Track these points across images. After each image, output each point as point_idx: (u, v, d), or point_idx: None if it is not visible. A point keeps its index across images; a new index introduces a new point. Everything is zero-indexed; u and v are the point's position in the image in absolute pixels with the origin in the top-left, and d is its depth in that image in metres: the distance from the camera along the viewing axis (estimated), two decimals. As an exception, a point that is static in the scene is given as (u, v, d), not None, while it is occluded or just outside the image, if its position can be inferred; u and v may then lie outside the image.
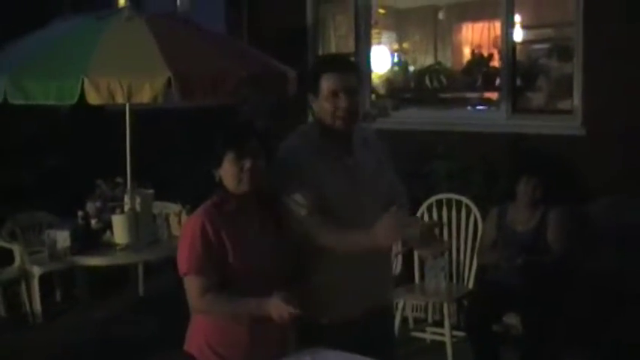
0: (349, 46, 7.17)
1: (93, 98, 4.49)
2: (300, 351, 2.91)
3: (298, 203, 2.87)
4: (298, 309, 2.70)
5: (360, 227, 2.85)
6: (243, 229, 2.83)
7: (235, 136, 2.83)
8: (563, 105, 6.00)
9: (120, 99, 4.54)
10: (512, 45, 6.11)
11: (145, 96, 4.51)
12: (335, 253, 2.91)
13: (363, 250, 2.86)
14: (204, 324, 2.88)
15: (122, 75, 4.52)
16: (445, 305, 4.89)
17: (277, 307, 2.70)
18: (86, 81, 4.46)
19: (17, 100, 4.68)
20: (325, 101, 2.89)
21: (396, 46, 7.78)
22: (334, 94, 2.87)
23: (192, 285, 2.80)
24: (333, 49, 7.39)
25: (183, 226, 2.88)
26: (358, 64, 3.03)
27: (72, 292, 5.80)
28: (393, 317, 3.54)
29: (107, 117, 7.25)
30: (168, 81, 4.52)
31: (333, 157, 2.97)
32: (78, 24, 5.28)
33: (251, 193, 2.84)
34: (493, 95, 6.62)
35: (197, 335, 2.91)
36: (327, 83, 2.88)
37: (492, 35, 7.22)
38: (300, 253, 2.97)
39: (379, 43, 7.43)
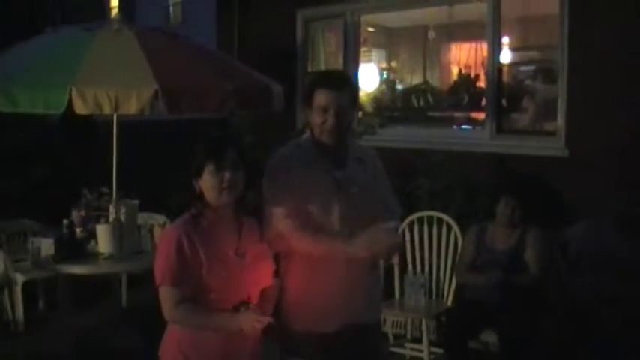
0: (338, 63, 7.26)
1: (80, 108, 4.52)
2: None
3: (279, 212, 2.92)
4: (270, 319, 2.74)
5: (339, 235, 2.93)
6: (219, 241, 2.87)
7: (215, 148, 2.87)
8: (547, 126, 6.07)
9: (107, 109, 4.57)
10: (498, 66, 6.20)
11: (131, 107, 4.55)
12: (316, 265, 2.97)
13: (339, 256, 2.92)
14: (179, 332, 2.91)
15: (109, 86, 4.55)
16: (424, 321, 4.93)
17: (248, 320, 2.75)
18: (74, 91, 4.49)
19: (5, 109, 4.71)
20: (316, 115, 2.99)
21: (384, 65, 7.86)
22: (324, 110, 2.97)
23: (166, 295, 2.85)
24: (322, 66, 7.48)
25: (160, 237, 2.93)
26: (353, 81, 3.10)
27: (55, 301, 5.80)
28: (378, 336, 3.47)
29: (94, 128, 7.32)
30: (155, 93, 4.55)
31: (323, 169, 3.04)
32: (67, 35, 5.33)
33: (229, 205, 2.89)
34: (479, 115, 6.70)
35: (171, 343, 2.94)
36: (318, 98, 2.99)
37: (480, 56, 7.29)
38: (279, 264, 3.02)
39: (368, 61, 7.52)
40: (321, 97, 2.99)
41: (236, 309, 2.81)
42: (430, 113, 7.15)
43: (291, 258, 3.05)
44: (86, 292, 5.89)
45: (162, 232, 2.92)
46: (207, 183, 2.83)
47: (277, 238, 2.96)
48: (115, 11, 9.41)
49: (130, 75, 4.72)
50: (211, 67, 5.19)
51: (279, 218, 2.94)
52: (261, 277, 2.95)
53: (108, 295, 6.54)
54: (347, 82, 3.16)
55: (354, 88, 3.27)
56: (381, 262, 3.63)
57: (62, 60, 4.86)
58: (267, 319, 2.73)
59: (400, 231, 5.21)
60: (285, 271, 3.07)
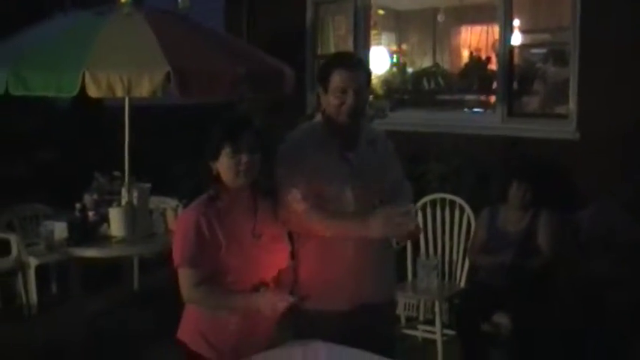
0: (348, 47, 7.23)
1: (93, 91, 4.53)
2: (292, 342, 2.96)
3: (293, 194, 2.92)
4: (289, 300, 2.76)
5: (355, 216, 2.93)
6: (236, 222, 2.87)
7: (233, 129, 2.86)
8: (558, 109, 6.07)
9: (119, 92, 4.57)
10: (510, 49, 6.17)
11: (144, 90, 4.55)
12: (329, 245, 2.97)
13: (353, 237, 2.93)
14: (197, 313, 2.93)
15: (122, 69, 4.56)
16: (437, 303, 4.93)
17: (268, 302, 2.77)
18: (86, 74, 4.50)
19: (17, 92, 4.72)
20: (333, 96, 2.98)
21: (394, 48, 7.83)
22: (342, 90, 2.96)
23: (185, 277, 2.86)
24: (332, 49, 7.45)
25: (178, 219, 2.94)
26: (367, 63, 3.14)
27: (67, 285, 5.83)
28: (392, 316, 3.56)
29: (105, 111, 7.33)
30: (168, 76, 4.55)
31: (336, 151, 3.04)
32: (78, 18, 5.33)
33: (246, 187, 2.89)
34: (489, 98, 6.69)
35: (189, 323, 2.96)
36: (336, 79, 2.97)
37: (491, 39, 7.27)
38: (294, 245, 3.03)
39: (378, 44, 7.49)
40: (338, 78, 2.98)
41: (255, 290, 2.82)
42: (441, 96, 7.15)
43: (304, 238, 3.06)
44: (98, 275, 5.93)
45: (180, 214, 2.92)
46: (224, 165, 2.83)
47: (292, 220, 2.96)
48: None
49: (142, 58, 4.72)
50: (223, 51, 5.18)
51: (294, 200, 2.94)
52: (277, 258, 2.96)
53: (120, 278, 6.59)
54: (361, 62, 3.17)
55: (368, 68, 3.27)
56: (394, 242, 3.62)
57: (74, 43, 4.86)
58: (288, 300, 2.75)
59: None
60: (298, 252, 3.08)
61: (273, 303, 2.76)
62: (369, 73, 3.16)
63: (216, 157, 2.84)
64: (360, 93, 2.99)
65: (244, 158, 2.81)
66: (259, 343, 2.89)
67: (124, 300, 6.41)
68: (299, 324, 3.08)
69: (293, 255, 3.06)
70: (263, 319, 2.84)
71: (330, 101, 3.00)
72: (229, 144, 2.81)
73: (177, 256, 2.87)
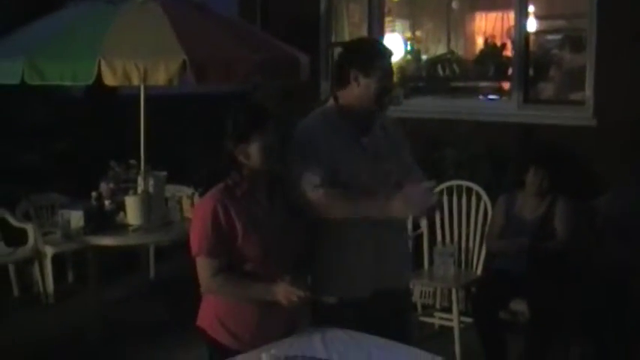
0: (362, 34, 7.19)
1: (109, 79, 4.54)
2: (310, 329, 2.96)
3: (311, 180, 2.92)
4: (306, 291, 2.76)
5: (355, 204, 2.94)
6: (254, 211, 2.87)
7: (259, 114, 2.88)
8: (574, 96, 6.02)
9: (135, 80, 4.58)
10: (525, 35, 6.12)
11: (160, 78, 4.55)
12: (347, 233, 2.98)
13: (375, 217, 2.92)
14: (216, 301, 2.94)
15: (138, 57, 4.56)
16: (453, 291, 4.92)
17: (285, 292, 2.77)
18: (102, 62, 4.50)
19: (33, 81, 4.73)
20: (375, 81, 2.99)
21: (408, 35, 7.80)
22: (388, 75, 3.04)
23: (202, 266, 2.87)
24: (346, 37, 7.43)
25: (196, 208, 2.94)
26: None
27: (84, 274, 5.85)
28: (409, 301, 3.63)
29: (118, 100, 7.34)
30: (184, 64, 4.55)
31: (351, 136, 3.05)
32: (92, 7, 5.30)
33: (264, 174, 2.89)
34: (505, 85, 6.65)
35: (209, 311, 2.97)
36: (383, 64, 3.03)
37: (505, 25, 7.23)
38: (312, 233, 3.02)
39: (392, 31, 7.45)
40: (385, 63, 3.04)
41: (273, 280, 2.81)
42: (456, 83, 7.11)
43: (322, 227, 3.04)
44: (114, 264, 5.94)
45: (197, 203, 2.92)
46: (254, 148, 2.82)
47: (309, 208, 2.95)
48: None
49: (158, 46, 4.72)
50: (239, 38, 5.17)
51: (311, 187, 2.93)
52: (295, 246, 2.95)
53: (136, 267, 6.60)
54: None
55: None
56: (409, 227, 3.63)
57: (89, 32, 4.87)
58: (303, 293, 2.75)
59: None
60: (316, 241, 3.06)
61: (289, 294, 2.76)
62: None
63: (245, 140, 2.82)
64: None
65: (273, 141, 2.83)
66: (278, 331, 2.90)
67: (141, 288, 6.44)
68: (318, 312, 3.08)
69: (311, 244, 3.06)
70: (283, 309, 2.83)
71: (371, 85, 2.99)
72: (259, 128, 2.82)
73: (194, 246, 2.87)
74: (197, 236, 2.86)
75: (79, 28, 4.95)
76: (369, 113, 3.08)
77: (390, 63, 3.07)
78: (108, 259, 5.44)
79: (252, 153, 2.83)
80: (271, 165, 2.87)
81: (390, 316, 3.11)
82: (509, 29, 7.25)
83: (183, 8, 5.24)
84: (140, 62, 4.53)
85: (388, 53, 3.10)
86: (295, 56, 5.33)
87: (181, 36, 4.69)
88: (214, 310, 2.95)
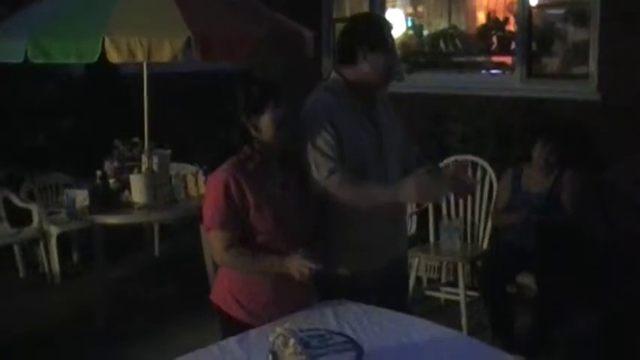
0: (364, 9, 7.16)
1: (113, 57, 4.51)
2: (322, 303, 2.97)
3: (326, 165, 2.91)
4: (318, 264, 2.76)
5: (384, 181, 2.97)
6: (266, 184, 2.88)
7: (272, 86, 2.88)
8: (578, 70, 5.99)
9: (140, 57, 4.55)
10: (528, 9, 6.10)
11: (164, 55, 4.52)
12: (356, 209, 2.97)
13: (385, 204, 2.93)
14: (230, 276, 2.95)
15: (142, 34, 4.52)
16: (460, 265, 4.94)
17: (296, 265, 2.77)
18: (107, 40, 4.47)
19: (38, 60, 4.69)
20: (382, 55, 2.99)
21: (410, 10, 7.74)
22: (393, 50, 3.06)
23: (216, 239, 2.88)
24: (347, 13, 7.40)
25: (208, 182, 2.94)
26: None
27: (89, 253, 5.86)
28: (407, 267, 3.79)
29: (120, 78, 7.31)
30: (188, 40, 4.52)
31: (362, 112, 3.07)
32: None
33: (277, 148, 2.89)
34: (508, 59, 6.62)
35: (222, 286, 2.98)
36: (389, 39, 3.05)
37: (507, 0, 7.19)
38: (323, 209, 3.03)
39: (393, 6, 7.41)
40: (391, 37, 3.06)
41: (286, 253, 2.81)
42: (458, 58, 7.07)
43: (336, 207, 3.02)
44: (119, 243, 5.95)
45: (210, 177, 2.92)
46: (268, 119, 2.82)
47: (324, 193, 2.95)
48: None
49: (162, 23, 4.68)
50: (243, 14, 5.13)
51: (326, 173, 2.92)
52: (307, 219, 2.96)
53: (140, 245, 6.61)
54: None
55: None
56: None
57: (92, 9, 4.82)
58: (314, 265, 2.75)
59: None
60: (330, 220, 3.06)
61: (301, 266, 2.76)
62: None
63: (260, 111, 2.83)
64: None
65: (285, 115, 2.84)
66: (292, 305, 2.89)
67: (146, 267, 6.45)
68: (331, 285, 3.09)
69: (325, 219, 3.07)
70: (296, 282, 2.84)
71: (379, 61, 2.99)
72: (272, 99, 2.83)
73: (207, 219, 2.89)
74: (210, 210, 2.87)
75: (83, 6, 4.90)
76: (374, 89, 3.09)
77: (393, 37, 3.08)
78: (113, 237, 5.44)
79: (264, 126, 2.84)
80: (283, 138, 2.87)
81: (398, 281, 3.25)
82: (511, 3, 7.22)
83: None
84: (144, 39, 4.49)
85: (390, 27, 3.12)
86: (300, 31, 5.30)
87: (185, 13, 4.65)
88: (228, 285, 2.96)
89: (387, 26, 3.10)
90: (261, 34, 4.80)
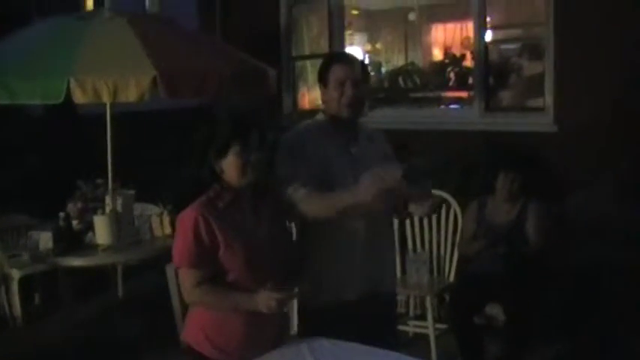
0: (321, 47, 7.26)
1: (79, 97, 4.48)
2: (297, 340, 2.97)
3: (293, 182, 2.97)
4: (287, 295, 2.78)
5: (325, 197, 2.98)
6: (236, 223, 2.88)
7: (240, 128, 2.87)
8: (535, 103, 6.14)
9: (105, 98, 4.53)
10: (484, 45, 6.24)
11: (130, 95, 4.51)
12: (336, 235, 3.05)
13: (351, 210, 2.94)
14: (202, 314, 2.93)
15: (107, 74, 4.52)
16: (428, 298, 4.96)
17: (264, 299, 2.77)
18: (72, 80, 4.45)
19: (3, 100, 4.65)
20: (333, 90, 3.11)
21: (369, 47, 7.87)
22: (341, 82, 3.10)
23: (185, 277, 2.87)
24: (306, 51, 7.48)
25: (178, 220, 2.92)
26: (364, 62, 3.36)
27: (51, 295, 5.76)
28: (394, 306, 3.66)
29: (80, 118, 7.26)
30: (154, 80, 4.52)
31: (339, 145, 3.13)
32: (59, 24, 5.25)
33: (248, 186, 2.89)
34: (466, 94, 6.75)
35: (193, 324, 2.96)
36: (334, 72, 3.13)
37: (462, 36, 7.35)
38: (300, 239, 3.09)
39: (352, 44, 7.52)
40: (337, 71, 3.13)
41: (256, 289, 2.81)
42: (417, 94, 7.19)
43: (310, 230, 3.11)
44: (82, 284, 5.85)
45: (180, 215, 2.91)
46: (231, 164, 2.83)
47: (293, 209, 3.00)
48: (90, 2, 9.31)
49: (127, 62, 4.68)
50: (207, 52, 5.17)
51: (295, 189, 2.97)
52: (279, 257, 2.96)
53: (103, 286, 6.51)
54: (357, 59, 3.35)
55: (364, 64, 3.42)
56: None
57: (57, 49, 4.80)
58: (281, 295, 2.76)
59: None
60: (304, 244, 3.14)
61: (269, 301, 2.76)
62: (365, 69, 3.31)
63: (223, 155, 2.83)
64: (358, 85, 3.12)
65: (252, 156, 2.82)
66: (265, 342, 2.90)
67: (111, 308, 6.35)
68: (306, 318, 3.11)
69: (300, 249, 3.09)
70: (268, 319, 2.84)
71: (331, 94, 3.13)
72: (237, 142, 2.82)
73: (177, 257, 2.88)
74: (179, 247, 2.87)
75: (48, 46, 4.88)
76: (355, 123, 3.19)
77: (351, 70, 3.13)
78: (75, 278, 5.35)
79: (228, 169, 2.85)
80: (253, 179, 2.85)
81: (376, 319, 3.17)
82: (465, 39, 7.39)
83: (151, 23, 5.23)
84: (110, 79, 4.49)
85: (348, 62, 3.19)
86: (264, 70, 5.34)
87: (151, 51, 4.66)
88: (200, 323, 2.94)
89: (336, 61, 3.19)
90: (227, 72, 4.83)
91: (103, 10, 5.16)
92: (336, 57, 3.34)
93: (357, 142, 3.17)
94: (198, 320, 2.95)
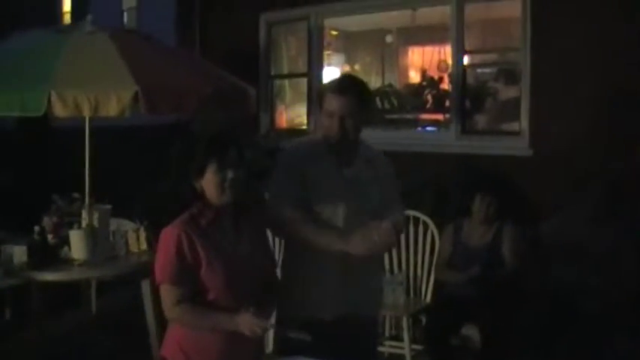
0: (299, 67, 7.30)
1: (59, 111, 4.44)
2: (275, 358, 2.96)
3: (284, 201, 3.01)
4: (270, 323, 2.78)
5: (340, 232, 3.02)
6: (218, 241, 2.88)
7: (217, 146, 2.87)
8: (511, 126, 6.21)
9: (86, 112, 4.49)
10: (462, 68, 6.32)
11: (111, 109, 4.48)
12: (313, 255, 3.04)
13: (334, 251, 3.00)
14: (180, 331, 2.92)
15: (89, 88, 4.48)
16: (404, 319, 4.98)
17: (247, 323, 2.76)
18: (53, 94, 4.41)
19: (-20, 112, 4.60)
20: (325, 118, 3.13)
21: (347, 68, 7.92)
22: (330, 114, 3.09)
23: (166, 294, 2.86)
24: (285, 70, 7.52)
25: (161, 237, 2.91)
26: (362, 85, 3.26)
27: (22, 310, 5.67)
28: (375, 331, 3.63)
29: (52, 132, 7.21)
30: (136, 95, 4.50)
31: (333, 166, 3.14)
32: (39, 37, 5.20)
33: (229, 204, 2.89)
34: (443, 117, 6.81)
35: (172, 341, 2.95)
36: (326, 102, 3.12)
37: (443, 59, 7.43)
38: (283, 255, 3.08)
39: (331, 64, 7.57)
40: (328, 102, 3.11)
41: (237, 310, 2.80)
42: (394, 115, 7.24)
43: (291, 246, 3.15)
44: (54, 299, 5.78)
45: (163, 231, 2.90)
46: (209, 182, 2.83)
47: (279, 226, 3.06)
48: (67, 16, 9.27)
49: (109, 77, 4.64)
50: (189, 70, 5.16)
51: (284, 207, 3.01)
52: (260, 276, 2.97)
53: (75, 301, 6.43)
54: (356, 86, 3.23)
55: (365, 90, 3.27)
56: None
57: (37, 62, 4.76)
58: (266, 324, 2.77)
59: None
60: (285, 260, 3.17)
61: (252, 325, 2.76)
62: (362, 98, 3.19)
63: (201, 174, 2.84)
64: (349, 118, 3.08)
65: (230, 175, 2.82)
66: (244, 362, 2.88)
67: (84, 323, 6.27)
68: (282, 339, 3.11)
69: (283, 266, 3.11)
70: (247, 339, 2.83)
71: (323, 121, 3.15)
72: (214, 160, 2.82)
73: (158, 273, 2.87)
74: (161, 264, 2.86)
75: (28, 59, 4.83)
76: (350, 146, 3.17)
77: (342, 103, 3.07)
78: (47, 293, 5.28)
79: (206, 188, 2.85)
80: (232, 197, 2.85)
81: (354, 341, 3.16)
82: (440, 61, 7.48)
83: (132, 39, 5.20)
84: (91, 93, 4.46)
85: (341, 93, 3.11)
86: (244, 88, 5.35)
87: (132, 67, 4.63)
88: (178, 340, 2.93)
89: (339, 91, 3.12)
90: (208, 89, 4.82)
91: (84, 24, 5.11)
92: (332, 86, 3.24)
93: (353, 165, 3.17)
94: (177, 337, 2.93)
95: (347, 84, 3.24)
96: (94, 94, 4.47)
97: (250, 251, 2.94)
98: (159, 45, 5.49)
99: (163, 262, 2.85)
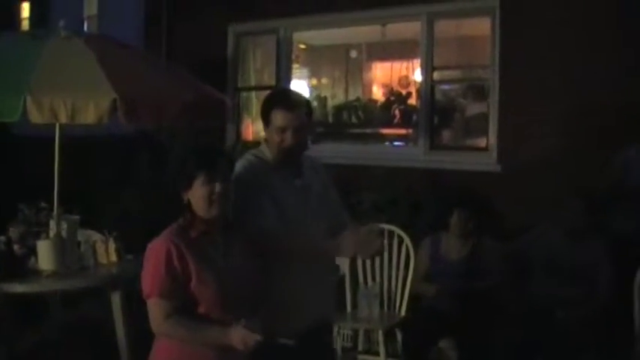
0: (266, 80, 7.29)
1: (35, 117, 4.31)
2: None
3: (256, 218, 2.99)
4: (262, 336, 2.73)
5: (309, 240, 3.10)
6: (207, 253, 2.83)
7: (205, 158, 2.84)
8: (479, 142, 6.30)
9: (63, 118, 4.37)
10: (431, 84, 6.38)
11: (89, 117, 4.36)
12: (287, 268, 3.04)
13: (322, 257, 3.15)
14: (167, 346, 2.84)
15: (66, 94, 4.37)
16: (380, 332, 4.95)
17: (240, 336, 2.72)
18: (28, 99, 4.29)
19: (-47, 118, 4.45)
20: (274, 134, 3.09)
21: (315, 82, 7.93)
22: (282, 130, 3.07)
23: (155, 307, 2.78)
24: (252, 82, 7.50)
25: (148, 249, 2.83)
26: (306, 99, 3.27)
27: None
28: (332, 335, 3.83)
29: (13, 140, 7.04)
30: (114, 103, 4.40)
31: (284, 178, 3.14)
32: (14, 42, 5.09)
33: (218, 216, 2.84)
34: (411, 132, 6.86)
35: (159, 356, 2.88)
36: (276, 118, 3.08)
37: (410, 74, 7.50)
38: (265, 271, 3.04)
39: (299, 77, 7.58)
40: (278, 118, 3.08)
41: (227, 323, 2.76)
42: (361, 130, 7.27)
43: (268, 258, 3.07)
44: (19, 311, 5.62)
45: (151, 244, 2.82)
46: (197, 194, 2.79)
47: (258, 241, 2.99)
48: (26, 22, 9.08)
49: (86, 84, 4.53)
50: (169, 79, 5.08)
51: (257, 224, 2.98)
52: (249, 289, 2.91)
53: (42, 313, 6.26)
54: (302, 101, 3.25)
55: (309, 105, 3.30)
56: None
57: (13, 67, 4.62)
58: (257, 337, 2.71)
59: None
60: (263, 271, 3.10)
61: (245, 338, 2.71)
62: (309, 111, 3.23)
63: (189, 186, 2.80)
64: (299, 132, 3.09)
65: (218, 187, 2.78)
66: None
67: (51, 336, 6.09)
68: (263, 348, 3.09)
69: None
70: (236, 353, 2.78)
71: (272, 137, 3.11)
72: (202, 173, 2.78)
73: (147, 286, 2.79)
74: (150, 277, 2.78)
75: (3, 63, 4.70)
76: (298, 158, 3.18)
77: (293, 118, 3.06)
78: (15, 305, 5.13)
79: (194, 201, 2.81)
80: (220, 210, 2.81)
81: (320, 346, 3.26)
82: (402, 78, 7.55)
83: (108, 45, 5.09)
84: (68, 100, 4.34)
85: (290, 108, 3.09)
86: (221, 98, 5.30)
87: (110, 74, 4.52)
88: (165, 355, 2.85)
89: (288, 106, 3.09)
90: (188, 98, 4.75)
91: (58, 29, 5.00)
92: (278, 100, 3.18)
93: (302, 176, 3.19)
94: (163, 352, 2.86)
95: (296, 99, 3.23)
96: (72, 100, 4.36)
97: (241, 263, 2.89)
98: (136, 52, 5.41)
99: (152, 275, 2.77)
